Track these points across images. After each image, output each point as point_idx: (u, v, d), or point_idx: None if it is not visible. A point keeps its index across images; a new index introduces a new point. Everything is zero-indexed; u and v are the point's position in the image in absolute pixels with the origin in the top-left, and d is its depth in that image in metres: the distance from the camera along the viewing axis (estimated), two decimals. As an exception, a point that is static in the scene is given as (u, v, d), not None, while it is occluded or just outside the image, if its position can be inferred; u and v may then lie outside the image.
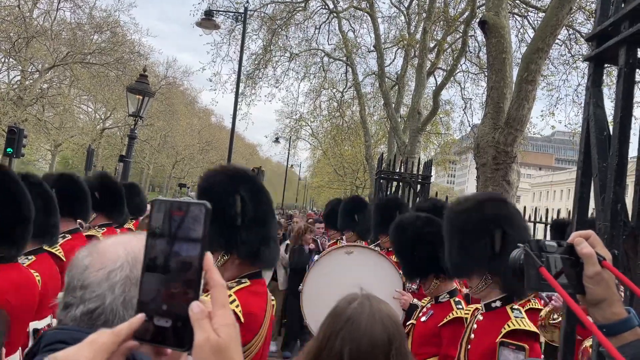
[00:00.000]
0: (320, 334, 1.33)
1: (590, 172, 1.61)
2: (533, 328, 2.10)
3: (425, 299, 3.20)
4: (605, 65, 1.69)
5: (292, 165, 48.00)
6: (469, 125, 21.89)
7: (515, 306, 2.23)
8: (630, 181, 1.52)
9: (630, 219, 1.59)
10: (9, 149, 12.78)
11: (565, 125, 18.71)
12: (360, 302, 1.35)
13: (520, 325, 2.06)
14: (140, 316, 0.75)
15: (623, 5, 1.51)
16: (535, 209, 8.41)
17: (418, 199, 7.75)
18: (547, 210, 7.15)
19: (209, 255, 0.77)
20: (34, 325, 2.51)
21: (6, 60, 25.45)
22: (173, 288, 0.75)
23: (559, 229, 4.48)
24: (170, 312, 0.75)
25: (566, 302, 1.00)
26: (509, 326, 2.06)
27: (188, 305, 0.74)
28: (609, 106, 2.74)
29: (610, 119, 1.69)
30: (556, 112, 18.04)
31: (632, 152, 1.67)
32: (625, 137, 1.48)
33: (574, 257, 1.07)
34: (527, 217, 7.67)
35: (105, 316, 0.90)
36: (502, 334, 2.04)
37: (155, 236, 0.77)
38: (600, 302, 1.04)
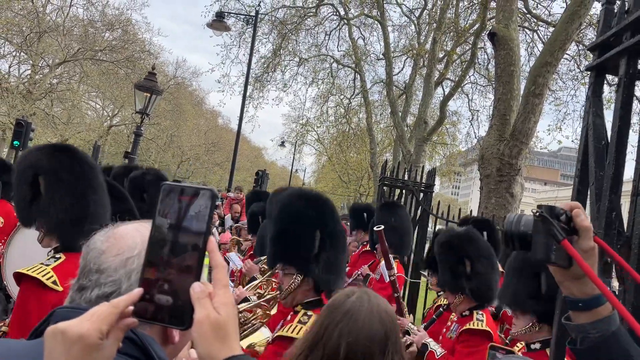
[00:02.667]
0: (317, 324, 1.34)
1: (588, 180, 1.63)
2: None
3: None
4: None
5: (296, 170, 48.06)
6: (475, 137, 21.90)
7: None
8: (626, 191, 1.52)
9: (625, 229, 1.59)
10: (15, 142, 12.86)
11: (572, 141, 18.65)
12: (358, 296, 1.37)
13: None
14: (139, 290, 0.77)
15: (625, 16, 1.53)
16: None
17: (421, 207, 7.75)
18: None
19: (212, 238, 0.79)
20: None
21: (17, 54, 25.66)
22: (176, 268, 0.78)
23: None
24: (172, 291, 0.77)
25: (591, 278, 0.98)
26: None
27: (189, 285, 0.76)
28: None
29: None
30: (563, 127, 18.00)
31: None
32: (623, 147, 1.49)
33: (569, 229, 1.04)
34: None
35: None
36: None
37: (161, 218, 0.80)
38: (584, 277, 1.04)
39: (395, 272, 3.76)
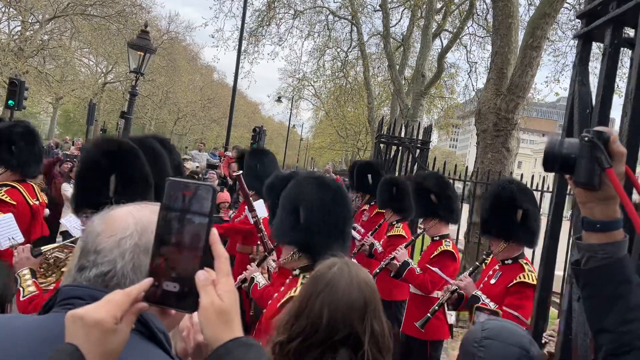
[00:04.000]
0: (301, 295, 1.46)
1: (572, 147, 1.68)
2: None
3: None
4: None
5: (294, 126, 47.85)
6: (474, 90, 21.73)
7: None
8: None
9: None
10: (10, 102, 12.76)
11: (570, 92, 18.47)
12: (339, 267, 1.46)
13: None
14: (149, 280, 0.85)
15: (613, -16, 1.54)
16: (532, 176, 8.48)
17: (417, 163, 7.82)
18: (544, 178, 7.24)
19: (214, 231, 0.87)
20: None
21: (6, 10, 25.03)
22: (182, 258, 0.85)
23: None
24: (178, 278, 0.85)
25: (626, 207, 1.03)
26: None
27: (194, 274, 0.84)
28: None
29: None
30: (561, 79, 17.82)
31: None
32: (605, 115, 1.54)
33: None
34: (531, 185, 7.75)
35: (117, 279, 0.98)
36: None
37: (167, 211, 0.87)
38: (610, 200, 1.08)
39: (260, 214, 3.96)
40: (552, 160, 1.09)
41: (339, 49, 24.37)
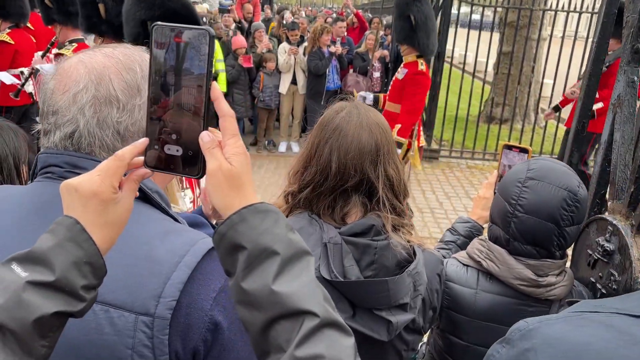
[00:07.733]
0: (309, 143, 1.38)
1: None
2: None
3: None
4: None
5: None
6: None
7: None
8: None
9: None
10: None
11: None
12: (348, 111, 1.36)
13: None
14: (143, 140, 0.77)
15: None
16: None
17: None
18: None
19: (215, 85, 0.76)
20: None
21: None
22: (181, 118, 0.76)
23: None
24: (180, 141, 0.76)
25: None
26: None
27: (197, 135, 0.75)
28: None
29: None
30: None
31: None
32: None
33: None
34: (568, 7, 7.15)
35: (86, 138, 0.91)
36: None
37: (158, 63, 0.75)
38: None
39: None
40: None
41: None
